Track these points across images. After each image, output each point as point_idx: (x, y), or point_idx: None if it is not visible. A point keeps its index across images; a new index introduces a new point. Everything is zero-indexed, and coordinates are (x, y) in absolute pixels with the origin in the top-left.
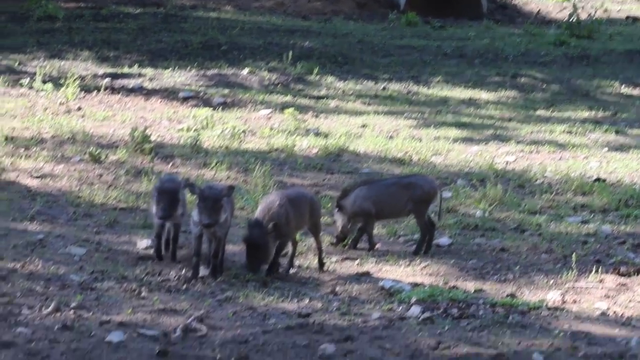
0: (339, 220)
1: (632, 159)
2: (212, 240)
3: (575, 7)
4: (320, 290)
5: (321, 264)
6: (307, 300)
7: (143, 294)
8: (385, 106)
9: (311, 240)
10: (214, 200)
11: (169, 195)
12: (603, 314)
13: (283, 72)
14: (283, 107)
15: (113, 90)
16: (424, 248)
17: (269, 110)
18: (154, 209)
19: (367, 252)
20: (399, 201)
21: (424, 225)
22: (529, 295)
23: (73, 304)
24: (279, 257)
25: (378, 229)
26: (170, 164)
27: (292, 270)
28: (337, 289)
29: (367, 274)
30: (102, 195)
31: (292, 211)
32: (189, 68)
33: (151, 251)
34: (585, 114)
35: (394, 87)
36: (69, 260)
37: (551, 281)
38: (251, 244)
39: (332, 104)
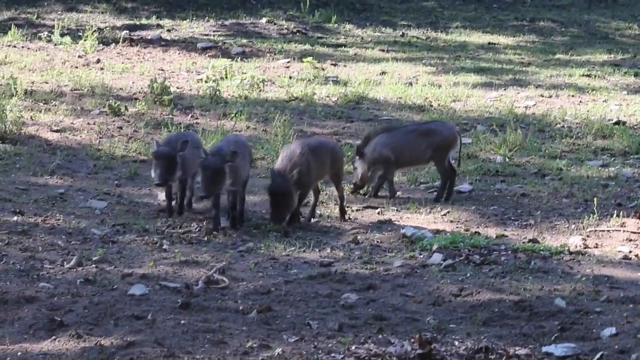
0: (359, 167)
1: None
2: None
3: None
4: (341, 239)
5: (342, 212)
6: (328, 250)
7: (165, 246)
8: (404, 53)
9: (332, 189)
10: (214, 171)
11: (165, 160)
12: (625, 257)
13: (301, 21)
14: (302, 55)
15: (131, 42)
16: (445, 195)
17: (287, 59)
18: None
19: (387, 200)
20: (418, 147)
21: (445, 171)
22: (550, 240)
23: (95, 258)
24: (300, 207)
25: (399, 177)
26: (190, 115)
27: (313, 220)
28: (359, 237)
29: (388, 222)
30: (122, 147)
31: (313, 160)
32: (207, 18)
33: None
34: (604, 56)
35: (413, 33)
36: (90, 214)
37: (572, 226)
38: (275, 194)
39: (351, 51)
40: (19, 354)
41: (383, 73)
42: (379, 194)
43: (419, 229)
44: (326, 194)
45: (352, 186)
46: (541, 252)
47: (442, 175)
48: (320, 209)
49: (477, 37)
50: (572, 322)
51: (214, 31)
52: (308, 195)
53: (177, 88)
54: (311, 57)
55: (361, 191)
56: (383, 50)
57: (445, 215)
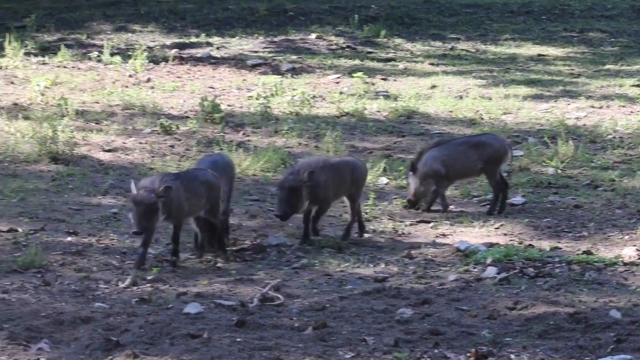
0: (412, 183)
1: None
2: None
3: None
4: (395, 254)
5: (362, 228)
6: (383, 265)
7: (219, 264)
8: (454, 66)
9: (385, 204)
10: (146, 206)
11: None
12: None
13: (350, 36)
14: (351, 70)
15: (181, 60)
16: (498, 208)
17: (337, 75)
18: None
19: (441, 214)
20: (469, 160)
21: (496, 184)
22: (604, 252)
23: (149, 277)
24: (316, 223)
25: (451, 190)
26: (241, 132)
27: (364, 235)
28: (413, 252)
29: (442, 236)
30: (174, 166)
31: (332, 176)
32: (256, 35)
33: None
34: None
35: (462, 46)
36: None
37: (626, 237)
38: (284, 187)
39: (401, 65)
40: None
41: (433, 87)
42: (432, 208)
43: (473, 243)
44: (379, 209)
45: (406, 202)
46: (595, 263)
47: (494, 188)
48: (373, 224)
49: (527, 49)
50: (628, 333)
51: (263, 48)
52: (325, 212)
53: (228, 106)
54: (361, 72)
55: (414, 206)
56: (433, 64)
57: (498, 228)
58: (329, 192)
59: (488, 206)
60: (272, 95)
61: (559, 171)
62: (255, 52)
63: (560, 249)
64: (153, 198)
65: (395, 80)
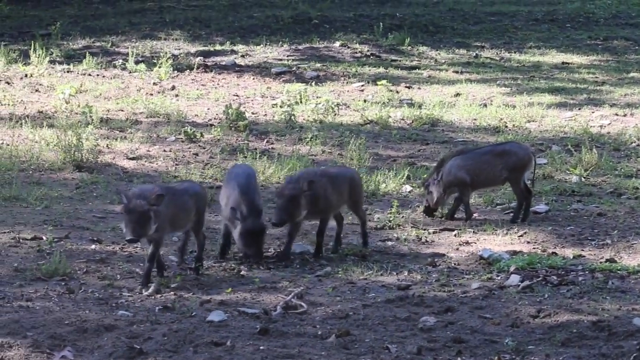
0: (435, 191)
1: None
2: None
3: None
4: (419, 262)
5: (365, 237)
6: (406, 273)
7: (242, 272)
8: (478, 74)
9: (408, 212)
10: (140, 214)
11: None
12: None
13: (375, 44)
14: (376, 78)
15: (206, 68)
16: (521, 216)
17: (361, 83)
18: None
19: (464, 222)
20: (493, 169)
21: (520, 192)
22: (628, 260)
23: (173, 285)
24: (322, 237)
25: (475, 198)
26: (265, 140)
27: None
28: (436, 260)
29: (465, 244)
30: (199, 174)
31: (330, 188)
32: (280, 43)
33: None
34: None
35: (486, 54)
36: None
37: None
38: (282, 195)
39: (425, 73)
40: None
41: (457, 95)
42: (455, 216)
43: (496, 251)
44: (403, 216)
45: (423, 208)
46: (619, 271)
47: (518, 196)
48: (396, 232)
49: (551, 57)
50: None
51: (287, 56)
52: (327, 224)
53: (252, 113)
54: (385, 80)
55: (436, 213)
56: (457, 72)
57: (522, 236)
58: (330, 203)
59: (511, 214)
60: (297, 103)
61: (583, 179)
62: (280, 60)
63: (584, 256)
64: (145, 206)
65: (419, 88)
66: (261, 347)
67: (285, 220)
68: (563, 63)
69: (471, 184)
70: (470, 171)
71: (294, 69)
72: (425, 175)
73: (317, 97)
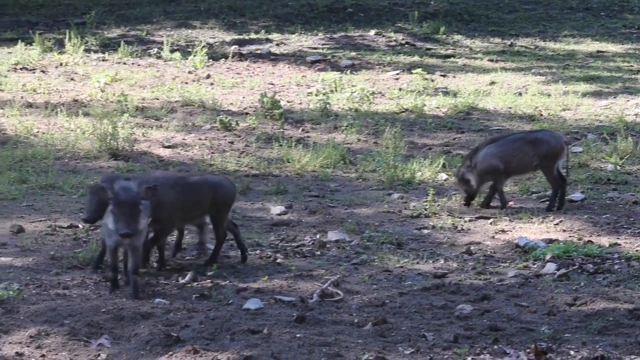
0: (472, 178)
1: None
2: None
3: None
4: (455, 250)
5: (214, 257)
6: (442, 261)
7: (279, 260)
8: (513, 62)
9: (444, 200)
10: (132, 206)
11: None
12: None
13: (409, 32)
14: (411, 67)
15: (241, 56)
16: (557, 204)
17: (396, 71)
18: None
19: (500, 210)
20: (525, 156)
21: (554, 180)
22: None
23: (209, 273)
24: (152, 246)
25: (510, 187)
26: (300, 128)
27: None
28: (472, 248)
29: (501, 232)
30: (234, 162)
31: (183, 195)
32: (315, 31)
33: (285, 217)
34: None
35: (521, 42)
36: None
37: None
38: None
39: (460, 62)
40: None
41: (492, 83)
42: (491, 204)
43: (532, 239)
44: (438, 205)
45: (464, 199)
46: None
47: (552, 185)
48: (432, 220)
49: (586, 46)
50: None
51: (322, 44)
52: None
53: (287, 102)
54: (420, 69)
55: (472, 202)
56: (492, 60)
57: (557, 224)
58: (175, 213)
59: (547, 202)
60: (332, 91)
61: (618, 167)
62: (315, 48)
63: (620, 245)
64: (137, 198)
65: (454, 77)
66: (298, 335)
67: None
68: (598, 51)
69: (504, 172)
70: (502, 158)
71: (329, 57)
72: (459, 165)
73: (352, 86)
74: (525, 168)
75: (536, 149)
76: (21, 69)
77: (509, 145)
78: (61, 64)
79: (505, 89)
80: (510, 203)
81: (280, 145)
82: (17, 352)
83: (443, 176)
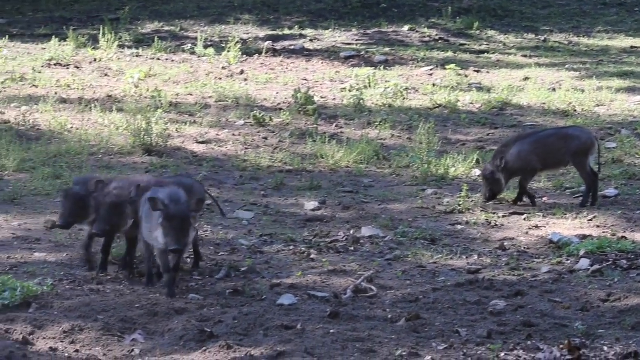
0: (502, 177)
1: None
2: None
3: None
4: (488, 246)
5: (197, 255)
6: (475, 257)
7: (312, 256)
8: (547, 58)
9: (477, 196)
10: (182, 220)
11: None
12: None
13: (443, 28)
14: (444, 63)
15: (274, 52)
16: (590, 200)
17: (430, 67)
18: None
19: (533, 206)
20: (557, 152)
21: (587, 176)
22: None
23: (243, 269)
24: (132, 253)
25: (544, 183)
26: (334, 124)
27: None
28: (506, 244)
29: (534, 228)
30: (268, 158)
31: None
32: (349, 27)
33: (319, 213)
34: None
35: (555, 38)
36: (237, 225)
37: None
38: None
39: (493, 57)
40: None
41: (526, 79)
42: (524, 199)
43: (566, 235)
44: (472, 200)
45: (487, 197)
46: None
47: (585, 180)
48: (466, 216)
49: (620, 41)
50: None
51: (356, 40)
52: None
53: (321, 97)
54: (454, 64)
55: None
56: (525, 56)
57: (591, 220)
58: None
59: (581, 198)
60: (365, 87)
61: None
62: (349, 44)
63: None
64: (188, 211)
65: (488, 72)
66: (331, 331)
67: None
68: (632, 47)
69: (538, 168)
70: (539, 155)
71: (363, 53)
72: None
73: (386, 81)
74: (558, 164)
75: (567, 144)
76: (55, 64)
77: (542, 142)
78: (95, 60)
79: (539, 84)
80: (544, 199)
81: (314, 141)
82: (51, 347)
83: (477, 172)
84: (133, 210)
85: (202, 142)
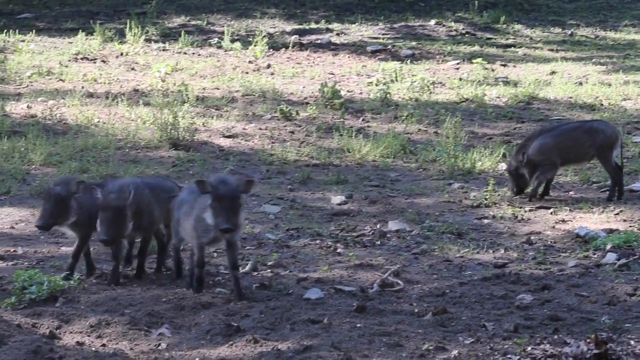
0: (525, 172)
1: None
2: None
3: None
4: (515, 240)
5: (139, 272)
6: (502, 251)
7: (339, 250)
8: (573, 52)
9: (504, 190)
10: (232, 199)
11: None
12: None
13: (470, 22)
14: (471, 57)
15: (301, 46)
16: (617, 194)
17: (457, 61)
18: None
19: (559, 201)
20: (582, 146)
21: (612, 170)
22: None
23: (270, 263)
24: (144, 255)
25: (571, 176)
26: (361, 118)
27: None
28: (532, 238)
29: (561, 222)
30: (295, 152)
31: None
32: (375, 21)
33: (345, 207)
34: None
35: (581, 32)
36: (264, 219)
37: None
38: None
39: (520, 51)
40: (196, 359)
41: (553, 73)
42: (551, 193)
43: (593, 229)
44: (499, 194)
45: (514, 192)
46: None
47: (610, 175)
48: (492, 210)
49: None
50: None
51: (383, 34)
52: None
53: (348, 92)
54: (480, 58)
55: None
56: (552, 50)
57: (618, 214)
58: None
59: (607, 192)
60: (392, 81)
61: None
62: (375, 38)
63: None
64: (237, 191)
65: (514, 66)
66: (358, 325)
67: (50, 224)
68: None
69: (561, 162)
70: (561, 149)
71: (389, 47)
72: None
73: (413, 75)
74: (581, 158)
75: (592, 138)
76: (82, 59)
77: (566, 135)
78: (122, 54)
79: (565, 78)
80: (571, 193)
81: (341, 135)
82: (77, 342)
83: (503, 166)
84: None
85: (229, 136)
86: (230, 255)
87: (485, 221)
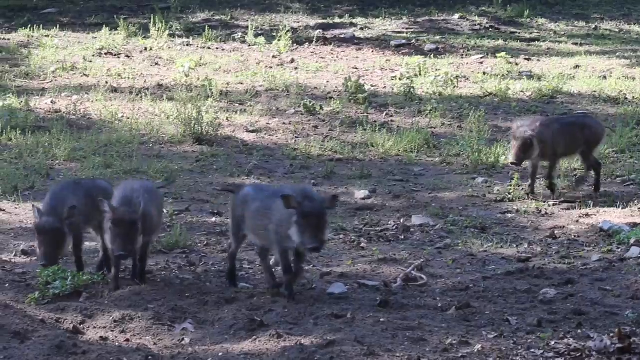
0: (529, 163)
1: None
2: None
3: None
4: (538, 234)
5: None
6: (526, 245)
7: (362, 244)
8: (597, 46)
9: (528, 184)
10: (319, 217)
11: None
12: None
13: (493, 16)
14: (495, 51)
15: (325, 41)
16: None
17: (480, 55)
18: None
19: (583, 196)
20: (576, 140)
21: (594, 164)
22: None
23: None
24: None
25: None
26: (384, 112)
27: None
28: (556, 232)
29: (585, 216)
30: (318, 147)
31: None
32: (399, 16)
33: (369, 201)
34: None
35: (606, 26)
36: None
37: None
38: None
39: (544, 45)
40: (220, 354)
41: (577, 67)
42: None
43: (616, 223)
44: (522, 189)
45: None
46: None
47: (592, 168)
48: (516, 204)
49: None
50: None
51: (406, 28)
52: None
53: (372, 86)
54: (504, 52)
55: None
56: (576, 44)
57: None
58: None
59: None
60: (416, 75)
61: None
62: (399, 32)
63: None
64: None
65: (538, 60)
66: (381, 319)
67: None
68: None
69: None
70: (555, 141)
71: (413, 41)
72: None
73: (436, 70)
74: (572, 151)
75: (584, 134)
76: (106, 54)
77: (561, 129)
78: (146, 49)
79: (589, 72)
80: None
81: (364, 130)
82: (101, 337)
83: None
84: None
85: (253, 131)
86: (296, 265)
87: (509, 215)
